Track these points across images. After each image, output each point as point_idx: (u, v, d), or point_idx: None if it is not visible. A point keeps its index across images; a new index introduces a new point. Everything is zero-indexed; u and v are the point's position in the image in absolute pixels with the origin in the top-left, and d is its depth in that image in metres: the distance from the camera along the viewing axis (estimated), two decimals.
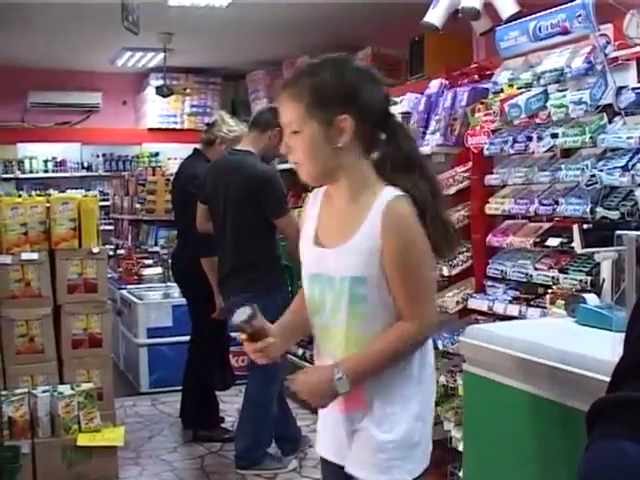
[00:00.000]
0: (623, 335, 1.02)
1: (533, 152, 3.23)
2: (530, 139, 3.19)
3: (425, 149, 3.86)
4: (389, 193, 1.75)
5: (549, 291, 3.13)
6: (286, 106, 1.79)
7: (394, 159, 1.81)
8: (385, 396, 1.78)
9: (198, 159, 4.76)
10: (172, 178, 5.47)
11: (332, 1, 6.10)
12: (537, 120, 3.18)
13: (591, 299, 2.39)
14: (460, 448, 3.19)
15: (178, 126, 9.74)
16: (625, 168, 2.73)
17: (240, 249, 4.06)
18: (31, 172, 9.82)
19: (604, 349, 1.77)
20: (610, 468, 0.87)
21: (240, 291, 3.91)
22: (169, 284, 6.21)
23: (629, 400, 0.91)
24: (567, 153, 3.22)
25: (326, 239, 1.86)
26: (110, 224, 8.85)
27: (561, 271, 3.07)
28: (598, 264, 2.72)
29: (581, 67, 2.96)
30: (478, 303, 3.53)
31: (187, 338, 4.96)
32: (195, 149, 4.92)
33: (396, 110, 4.28)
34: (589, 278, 2.91)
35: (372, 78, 1.83)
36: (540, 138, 3.13)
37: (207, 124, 5.09)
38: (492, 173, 3.51)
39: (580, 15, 2.93)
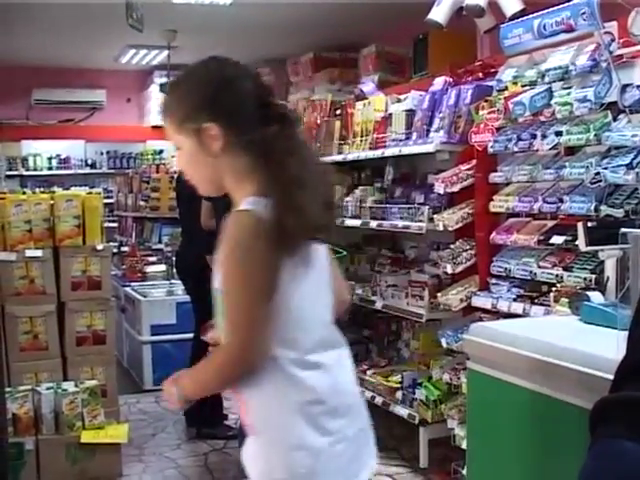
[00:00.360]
0: (627, 333, 1.02)
1: (537, 150, 3.22)
2: (534, 137, 3.18)
3: (429, 147, 3.86)
4: (241, 205, 1.65)
5: (553, 289, 3.12)
6: (166, 128, 1.77)
7: (270, 150, 1.67)
8: (261, 425, 1.68)
9: None
10: (176, 175, 5.48)
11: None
12: (541, 118, 3.17)
13: (595, 297, 2.39)
14: (464, 446, 3.18)
15: None
16: (629, 166, 2.73)
17: None
18: (35, 169, 9.86)
19: (608, 347, 1.76)
20: (611, 469, 0.86)
21: None
22: (173, 281, 6.21)
23: (631, 400, 0.90)
24: (571, 151, 3.22)
25: None
26: (114, 221, 8.84)
27: (565, 269, 3.07)
28: (602, 262, 2.72)
29: (586, 65, 2.96)
30: (482, 301, 3.52)
31: (191, 335, 4.95)
32: None
33: (400, 108, 4.28)
34: (593, 276, 2.90)
35: (237, 75, 1.72)
36: (544, 136, 3.12)
37: None
38: (496, 171, 3.50)
39: (584, 13, 2.92)
